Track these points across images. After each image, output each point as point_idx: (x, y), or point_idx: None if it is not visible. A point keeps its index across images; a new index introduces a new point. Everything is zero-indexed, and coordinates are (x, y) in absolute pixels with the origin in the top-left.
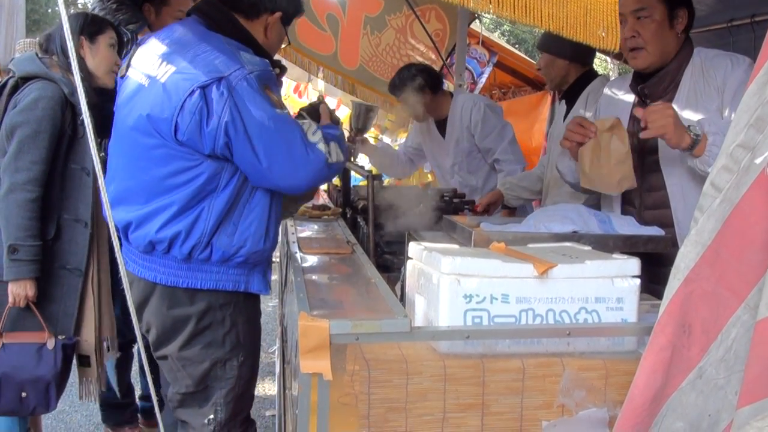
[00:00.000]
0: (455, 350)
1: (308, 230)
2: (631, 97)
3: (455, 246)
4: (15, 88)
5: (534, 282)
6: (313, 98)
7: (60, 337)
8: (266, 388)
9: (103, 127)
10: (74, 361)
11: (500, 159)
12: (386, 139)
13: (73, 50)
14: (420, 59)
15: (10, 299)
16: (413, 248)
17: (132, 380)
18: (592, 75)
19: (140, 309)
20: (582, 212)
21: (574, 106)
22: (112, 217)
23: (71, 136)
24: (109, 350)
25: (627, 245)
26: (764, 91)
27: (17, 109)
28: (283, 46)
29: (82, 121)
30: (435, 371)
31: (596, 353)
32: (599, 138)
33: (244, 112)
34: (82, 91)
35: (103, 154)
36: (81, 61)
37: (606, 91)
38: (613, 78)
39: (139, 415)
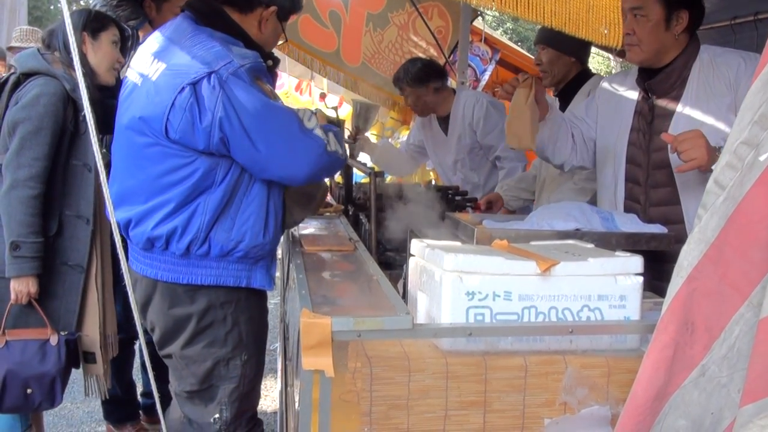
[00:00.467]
0: (457, 347)
1: (310, 227)
2: (635, 93)
3: (458, 243)
4: (17, 84)
5: (536, 279)
6: (316, 96)
7: (63, 333)
8: (268, 385)
9: (105, 124)
10: (80, 358)
11: (501, 156)
12: (396, 137)
13: (75, 46)
14: (422, 56)
15: (13, 296)
16: (415, 245)
17: (134, 377)
18: (587, 73)
19: (144, 308)
20: (585, 210)
21: (571, 104)
22: (114, 215)
23: (73, 133)
24: (112, 347)
25: (630, 243)
26: None
27: (19, 105)
28: (280, 42)
29: (84, 117)
30: (437, 368)
31: (599, 351)
32: (516, 92)
33: (237, 105)
34: (84, 87)
35: (104, 150)
36: (83, 57)
37: (605, 85)
38: None
39: (140, 412)
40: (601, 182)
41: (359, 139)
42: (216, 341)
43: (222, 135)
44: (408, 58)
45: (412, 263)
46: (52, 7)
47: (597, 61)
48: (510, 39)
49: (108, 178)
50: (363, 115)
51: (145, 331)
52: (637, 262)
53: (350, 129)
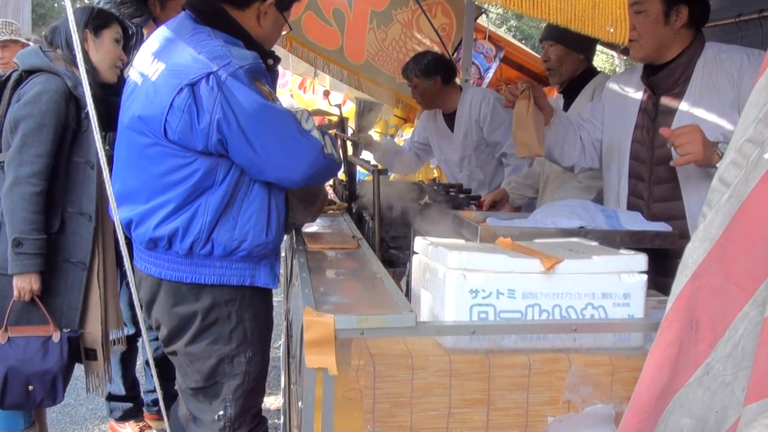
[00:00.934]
0: (461, 345)
1: (313, 225)
2: (640, 91)
3: (461, 241)
4: (19, 82)
5: (540, 277)
6: (320, 94)
7: (65, 330)
8: (271, 382)
9: (108, 121)
10: (82, 355)
11: (508, 153)
12: (400, 135)
13: (79, 44)
14: (435, 50)
15: (15, 293)
16: (419, 243)
17: (137, 374)
18: (592, 71)
19: (149, 306)
20: (589, 208)
21: (575, 101)
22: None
23: (75, 130)
24: (115, 344)
25: (634, 241)
26: None
27: (21, 102)
28: (284, 33)
29: (86, 114)
30: (440, 366)
31: (603, 349)
32: (516, 104)
33: (235, 106)
34: (88, 84)
35: (107, 147)
36: (85, 54)
37: (611, 85)
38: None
39: (144, 409)
40: (606, 179)
41: (362, 137)
42: (220, 338)
43: (220, 136)
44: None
45: (416, 261)
46: (55, 5)
47: (601, 59)
48: (514, 37)
49: (111, 176)
50: (366, 113)
51: (150, 329)
52: (641, 260)
53: (354, 127)
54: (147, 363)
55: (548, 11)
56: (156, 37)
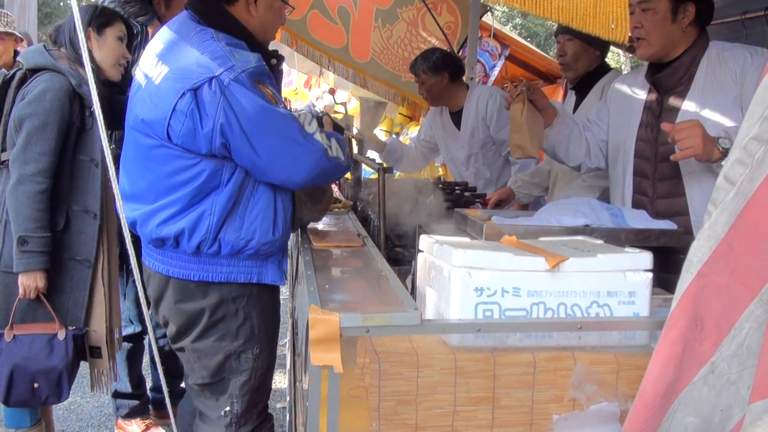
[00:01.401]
0: (466, 343)
1: (319, 223)
2: (644, 90)
3: (466, 239)
4: (23, 80)
5: (545, 275)
6: (325, 91)
7: (70, 328)
8: (277, 380)
9: (113, 119)
10: (87, 353)
11: None
12: (405, 133)
13: (84, 42)
14: (443, 48)
15: (21, 291)
16: (424, 241)
17: (143, 372)
18: (604, 68)
19: (157, 303)
20: (594, 206)
21: (586, 98)
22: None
23: (80, 128)
24: (118, 342)
25: (639, 239)
26: None
27: (25, 101)
28: (287, 14)
29: (91, 112)
30: (445, 364)
31: (608, 347)
32: (511, 107)
33: (238, 111)
34: (93, 83)
35: (113, 146)
36: (89, 53)
37: (617, 85)
38: (625, 71)
39: (150, 407)
40: (611, 178)
41: (367, 136)
42: (227, 335)
43: (224, 140)
44: (418, 54)
45: (421, 259)
46: (61, 4)
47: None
48: (519, 34)
49: (118, 175)
50: (371, 112)
51: (158, 326)
52: (646, 258)
53: (359, 126)
54: (152, 361)
55: (550, 9)
56: (160, 38)
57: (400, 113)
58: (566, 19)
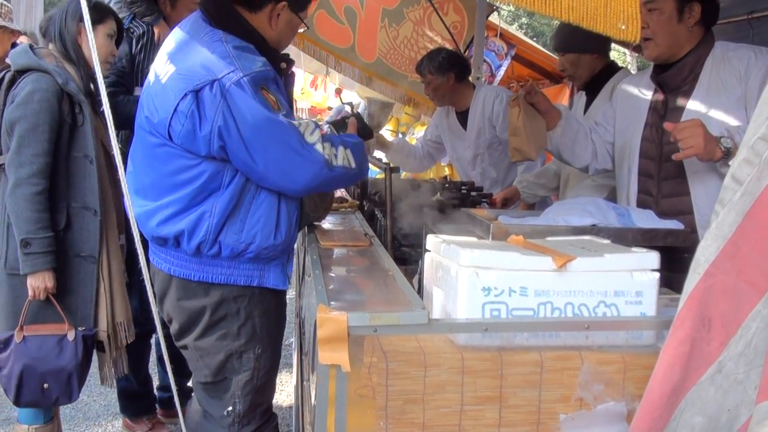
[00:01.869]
0: (473, 343)
1: (326, 222)
2: (650, 91)
3: (474, 239)
4: (12, 82)
5: (553, 275)
6: (331, 91)
7: (80, 329)
8: (283, 379)
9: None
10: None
11: None
12: (411, 133)
13: (92, 39)
14: (448, 47)
15: (30, 293)
16: (431, 241)
17: (150, 371)
18: (613, 67)
19: (162, 300)
20: (601, 205)
21: (596, 99)
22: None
23: (71, 125)
24: (126, 336)
25: (646, 239)
26: None
27: (14, 104)
28: (301, 30)
29: (81, 109)
30: (453, 364)
31: (615, 347)
32: (509, 111)
33: (237, 115)
34: (101, 77)
35: (120, 145)
36: (78, 48)
37: (623, 86)
38: (632, 70)
39: (157, 406)
40: (617, 178)
41: (374, 136)
42: (229, 334)
43: (222, 143)
44: (422, 55)
45: (428, 259)
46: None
47: (612, 56)
48: (525, 34)
49: (126, 172)
50: (378, 113)
51: (164, 325)
52: (653, 258)
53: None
54: (159, 359)
55: (560, 9)
56: (173, 38)
57: (406, 113)
58: (577, 18)
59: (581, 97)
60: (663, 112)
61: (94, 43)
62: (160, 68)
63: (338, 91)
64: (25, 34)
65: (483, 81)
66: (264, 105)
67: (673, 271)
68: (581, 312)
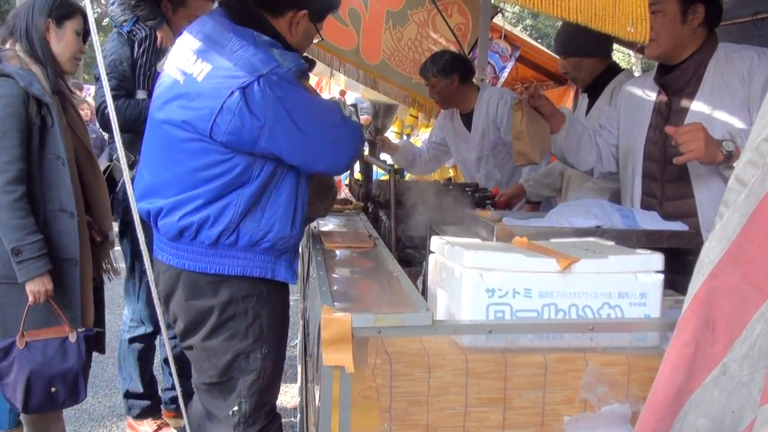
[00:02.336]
0: (477, 344)
1: (330, 224)
2: (654, 93)
3: (478, 240)
4: None
5: (557, 277)
6: (336, 93)
7: (80, 330)
8: (288, 380)
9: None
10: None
11: None
12: (416, 135)
13: (98, 43)
14: (452, 49)
15: (31, 298)
16: (435, 242)
17: (155, 372)
18: (615, 68)
19: (167, 299)
20: (605, 207)
21: (597, 100)
22: (138, 207)
23: (41, 128)
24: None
25: (650, 240)
26: None
27: None
28: (315, 41)
29: (49, 110)
30: (457, 365)
31: (619, 349)
32: (512, 115)
33: (290, 106)
34: (106, 80)
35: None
36: (46, 44)
37: (627, 88)
38: (636, 71)
39: (161, 407)
40: (621, 180)
41: (378, 139)
42: (237, 334)
43: (274, 138)
44: (428, 55)
45: (432, 260)
46: None
47: (617, 57)
48: (530, 36)
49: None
50: (382, 115)
51: (169, 326)
52: (657, 259)
53: (370, 130)
54: (164, 361)
55: (567, 10)
56: (195, 35)
57: (410, 115)
58: (585, 19)
59: (584, 99)
60: (667, 114)
61: (98, 44)
62: (188, 66)
63: (342, 93)
64: None
65: (487, 83)
66: (308, 92)
67: (678, 272)
68: (585, 313)
